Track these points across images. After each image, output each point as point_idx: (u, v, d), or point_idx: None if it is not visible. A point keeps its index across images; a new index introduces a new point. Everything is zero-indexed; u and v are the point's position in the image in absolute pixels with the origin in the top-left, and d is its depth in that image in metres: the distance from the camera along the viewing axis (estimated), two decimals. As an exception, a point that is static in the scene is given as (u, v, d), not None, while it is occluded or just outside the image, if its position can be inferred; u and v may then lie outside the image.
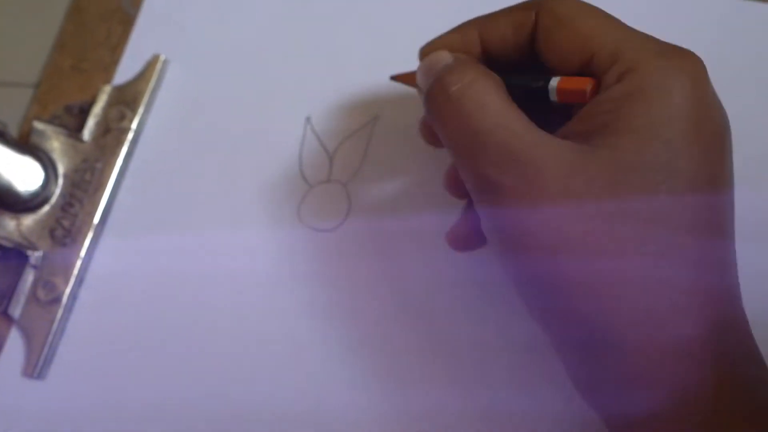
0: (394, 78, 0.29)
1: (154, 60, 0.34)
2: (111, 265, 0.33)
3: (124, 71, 0.35)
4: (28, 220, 0.33)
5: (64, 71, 0.36)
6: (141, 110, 0.34)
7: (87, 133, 0.34)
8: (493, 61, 0.25)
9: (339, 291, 0.30)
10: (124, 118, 0.34)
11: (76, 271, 0.32)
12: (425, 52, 0.26)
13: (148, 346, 0.31)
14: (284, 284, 0.31)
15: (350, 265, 0.31)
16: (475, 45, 0.25)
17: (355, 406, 0.29)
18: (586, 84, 0.23)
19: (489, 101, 0.23)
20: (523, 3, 0.25)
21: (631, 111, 0.21)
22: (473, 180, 0.23)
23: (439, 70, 0.24)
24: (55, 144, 0.34)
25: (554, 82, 0.23)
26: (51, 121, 0.35)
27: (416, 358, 0.29)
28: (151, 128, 0.34)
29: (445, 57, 0.25)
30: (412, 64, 0.34)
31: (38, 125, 0.34)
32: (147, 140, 0.34)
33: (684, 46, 0.22)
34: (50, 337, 0.32)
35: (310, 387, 0.29)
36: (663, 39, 0.23)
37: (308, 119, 0.33)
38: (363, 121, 0.33)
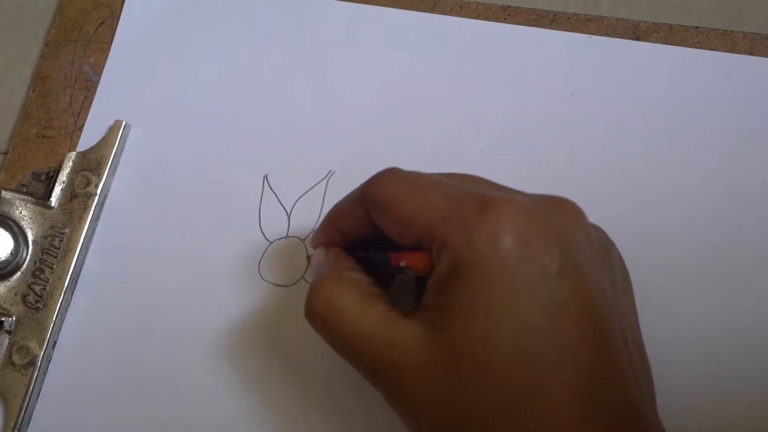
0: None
1: (116, 125, 0.36)
2: (83, 327, 0.34)
3: (88, 137, 0.36)
4: (1, 288, 0.34)
5: (30, 140, 0.37)
6: (105, 175, 0.35)
7: (54, 200, 0.35)
8: (359, 240, 0.27)
9: (301, 347, 0.32)
10: (89, 183, 0.35)
11: (49, 335, 0.33)
12: (312, 243, 0.29)
13: (121, 405, 0.32)
14: (248, 339, 0.32)
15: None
16: (340, 237, 0.27)
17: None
18: (419, 261, 0.23)
19: (346, 313, 0.24)
20: (355, 196, 0.26)
21: (452, 290, 0.22)
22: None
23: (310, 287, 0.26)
24: (24, 212, 0.35)
25: (389, 257, 0.24)
26: (18, 189, 0.36)
27: (380, 410, 0.30)
28: (116, 192, 0.36)
29: (318, 258, 0.27)
30: (362, 120, 0.36)
31: (6, 194, 0.35)
32: (112, 204, 0.35)
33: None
34: (27, 400, 0.33)
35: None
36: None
37: (266, 177, 0.35)
38: (318, 177, 0.34)
